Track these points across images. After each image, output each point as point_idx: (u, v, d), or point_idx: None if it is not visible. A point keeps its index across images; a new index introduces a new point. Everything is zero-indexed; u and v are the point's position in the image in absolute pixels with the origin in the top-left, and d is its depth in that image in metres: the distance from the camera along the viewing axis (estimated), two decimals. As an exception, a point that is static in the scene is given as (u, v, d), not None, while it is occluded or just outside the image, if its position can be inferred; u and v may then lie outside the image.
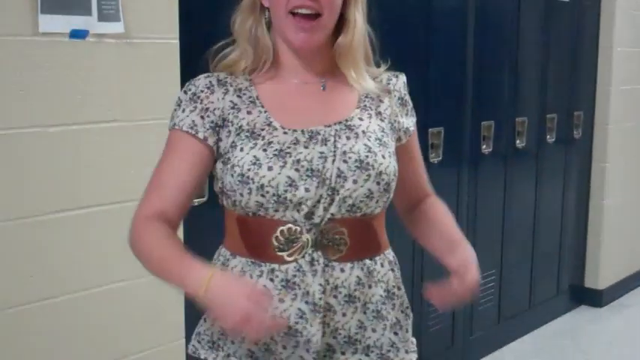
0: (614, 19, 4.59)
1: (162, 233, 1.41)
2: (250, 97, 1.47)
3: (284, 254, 1.41)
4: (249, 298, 1.26)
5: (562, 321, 4.61)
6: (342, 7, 1.46)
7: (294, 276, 1.40)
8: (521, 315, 4.31)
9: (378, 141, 1.46)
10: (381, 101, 1.53)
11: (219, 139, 1.45)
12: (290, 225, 1.40)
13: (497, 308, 4.11)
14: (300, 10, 1.41)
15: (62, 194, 2.09)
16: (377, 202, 1.44)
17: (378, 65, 1.56)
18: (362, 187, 1.41)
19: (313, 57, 1.49)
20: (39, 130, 2.03)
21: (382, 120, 1.51)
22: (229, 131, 1.44)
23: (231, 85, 1.48)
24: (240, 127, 1.43)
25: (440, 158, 3.49)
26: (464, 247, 1.49)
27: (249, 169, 1.38)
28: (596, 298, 4.82)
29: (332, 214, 1.40)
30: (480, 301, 3.96)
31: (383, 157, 1.44)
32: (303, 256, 1.41)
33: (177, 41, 2.29)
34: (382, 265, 1.49)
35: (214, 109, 1.45)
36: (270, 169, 1.38)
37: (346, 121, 1.47)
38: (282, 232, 1.40)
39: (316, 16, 1.42)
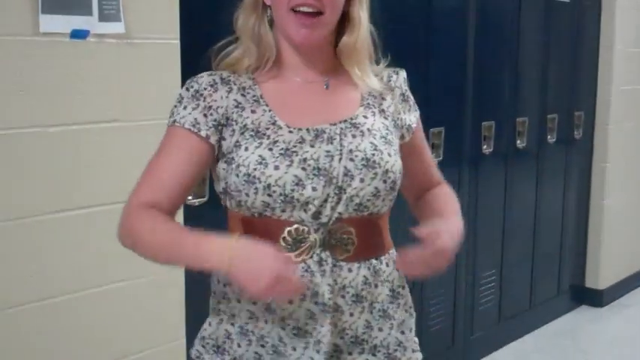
0: (614, 18, 4.58)
1: (161, 218, 1.38)
2: (254, 95, 1.46)
3: (292, 255, 1.39)
4: (277, 258, 1.27)
5: (562, 321, 4.61)
6: (345, 6, 1.46)
7: (303, 276, 1.39)
8: (522, 315, 4.31)
9: (383, 139, 1.46)
10: (383, 99, 1.53)
11: (221, 138, 1.43)
12: (297, 225, 1.39)
13: (498, 308, 4.11)
14: (301, 8, 1.41)
15: (62, 194, 2.08)
16: (383, 200, 1.44)
17: (377, 62, 1.56)
18: (369, 185, 1.40)
19: (315, 55, 1.49)
20: (39, 130, 2.02)
21: (386, 118, 1.51)
22: (233, 130, 1.43)
23: (234, 84, 1.46)
24: (245, 126, 1.42)
25: (440, 158, 3.49)
26: (445, 219, 1.48)
27: (255, 169, 1.37)
28: (596, 298, 4.82)
29: (339, 214, 1.40)
30: (480, 301, 3.96)
31: (389, 154, 1.44)
32: (311, 257, 1.40)
33: (177, 41, 2.28)
34: (387, 265, 1.48)
35: (217, 108, 1.43)
36: (276, 168, 1.37)
37: (351, 119, 1.46)
38: (289, 232, 1.39)
39: (318, 14, 1.41)
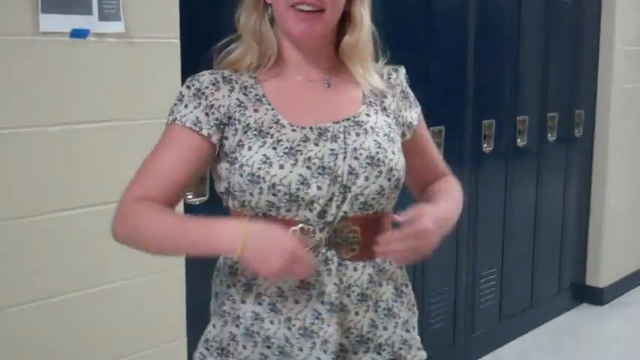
0: (614, 17, 4.58)
1: (158, 207, 1.37)
2: (256, 94, 1.45)
3: None
4: (290, 239, 1.29)
5: (563, 319, 4.61)
6: (346, 6, 1.46)
7: (309, 276, 1.38)
8: (523, 313, 4.31)
9: (386, 137, 1.45)
10: (384, 97, 1.53)
11: (223, 137, 1.42)
12: (302, 224, 1.38)
13: (499, 306, 4.11)
14: (302, 7, 1.40)
15: (62, 194, 2.08)
16: (387, 198, 1.44)
17: (376, 60, 1.56)
18: (373, 183, 1.40)
19: (316, 53, 1.48)
20: (39, 130, 2.02)
21: (388, 115, 1.51)
22: (236, 129, 1.42)
23: (236, 83, 1.46)
24: (248, 125, 1.41)
25: (441, 157, 3.48)
26: (432, 204, 1.48)
27: (259, 168, 1.36)
28: (597, 296, 4.82)
29: (345, 212, 1.39)
30: (481, 300, 3.96)
31: (393, 152, 1.44)
32: (317, 256, 1.39)
33: (177, 41, 2.28)
34: (391, 263, 1.48)
35: (219, 107, 1.42)
36: (281, 167, 1.36)
37: (354, 117, 1.46)
38: (294, 231, 1.37)
39: (318, 12, 1.41)
